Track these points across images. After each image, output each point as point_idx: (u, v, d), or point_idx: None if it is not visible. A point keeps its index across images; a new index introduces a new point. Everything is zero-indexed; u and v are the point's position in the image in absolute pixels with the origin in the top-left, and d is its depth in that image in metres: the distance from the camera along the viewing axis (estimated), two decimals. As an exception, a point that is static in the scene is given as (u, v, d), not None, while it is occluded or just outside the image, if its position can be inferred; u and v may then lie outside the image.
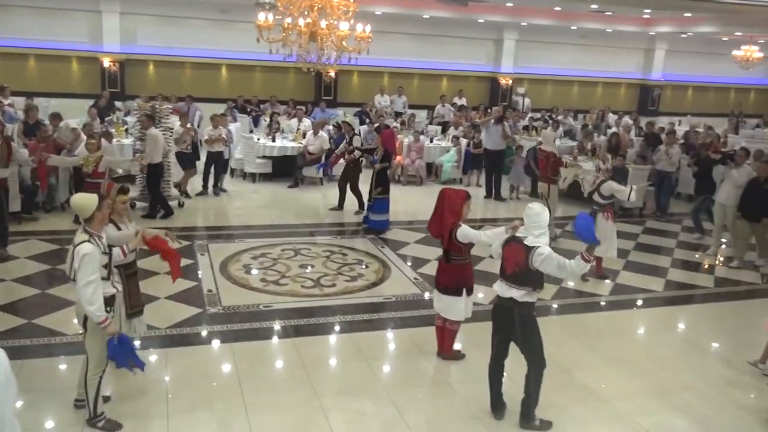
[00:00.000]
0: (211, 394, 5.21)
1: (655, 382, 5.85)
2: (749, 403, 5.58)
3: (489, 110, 18.62)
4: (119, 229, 5.15)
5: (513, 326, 4.83)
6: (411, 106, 18.69)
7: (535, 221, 4.74)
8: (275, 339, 6.32)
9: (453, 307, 5.80)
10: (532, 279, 4.72)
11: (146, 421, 4.82)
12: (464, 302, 5.76)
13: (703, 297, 8.21)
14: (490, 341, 5.07)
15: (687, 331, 7.27)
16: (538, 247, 4.65)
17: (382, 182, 9.74)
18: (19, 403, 4.82)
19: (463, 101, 19.22)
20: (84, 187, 8.22)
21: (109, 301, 4.52)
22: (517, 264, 4.73)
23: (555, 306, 7.46)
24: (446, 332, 5.99)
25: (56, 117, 10.59)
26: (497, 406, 5.07)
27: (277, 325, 6.54)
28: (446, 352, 6.03)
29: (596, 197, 8.21)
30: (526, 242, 4.71)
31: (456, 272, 5.75)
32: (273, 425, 4.85)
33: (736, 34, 19.15)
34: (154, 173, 9.81)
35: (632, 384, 5.80)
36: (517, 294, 4.74)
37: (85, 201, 4.45)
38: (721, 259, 9.61)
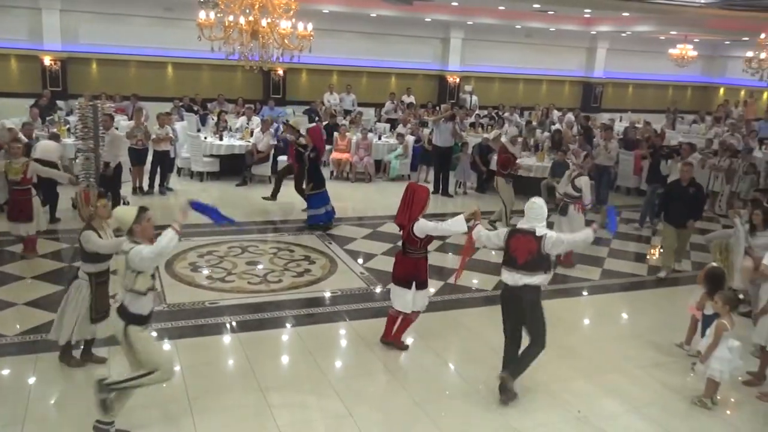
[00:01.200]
0: (155, 392, 5.21)
1: (587, 365, 6.14)
2: (674, 382, 5.91)
3: (437, 108, 18.93)
4: (100, 236, 5.16)
5: (524, 312, 5.27)
6: (360, 104, 18.82)
7: (539, 213, 5.25)
8: (220, 335, 6.36)
9: (401, 298, 6.01)
10: (546, 263, 5.22)
11: (90, 419, 4.81)
12: (412, 295, 5.97)
13: (636, 284, 8.58)
14: (503, 326, 5.45)
15: (620, 318, 7.61)
16: (547, 233, 5.18)
17: (313, 178, 9.79)
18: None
19: (411, 99, 19.46)
20: (12, 196, 7.98)
21: (147, 319, 4.58)
22: (530, 252, 5.14)
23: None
24: (403, 321, 6.19)
25: None
26: (505, 390, 5.34)
27: (222, 322, 6.59)
28: (393, 339, 6.21)
29: (569, 190, 8.84)
30: (537, 233, 5.15)
31: (410, 265, 5.97)
32: (218, 422, 4.89)
33: (672, 33, 19.94)
34: (114, 174, 9.70)
35: (565, 368, 6.06)
36: (532, 280, 5.16)
37: (126, 215, 4.60)
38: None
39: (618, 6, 16.04)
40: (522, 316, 5.29)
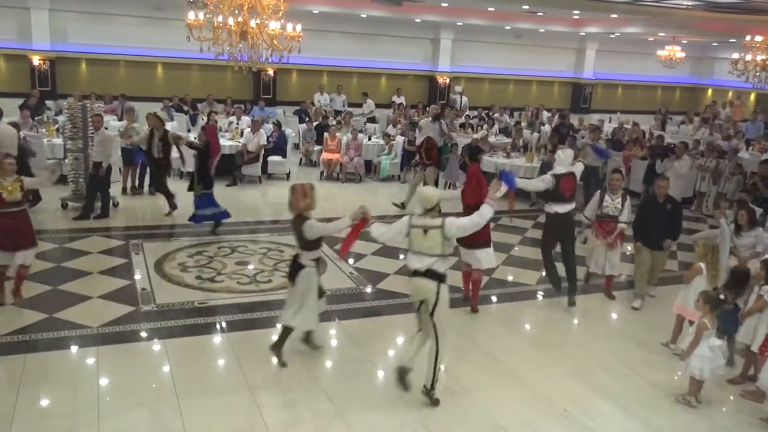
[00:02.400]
0: (144, 392, 5.25)
1: (574, 364, 6.20)
2: (660, 380, 5.97)
3: (427, 108, 18.98)
4: None
5: (570, 234, 7.53)
6: (350, 105, 18.85)
7: (564, 160, 7.39)
8: (210, 335, 6.37)
9: (488, 256, 7.20)
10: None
11: (76, 415, 4.83)
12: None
13: (624, 284, 8.65)
14: (547, 252, 7.62)
15: (608, 317, 7.68)
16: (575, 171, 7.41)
17: (203, 179, 9.54)
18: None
19: (401, 100, 19.51)
20: (4, 220, 6.42)
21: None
22: (572, 188, 7.32)
23: (491, 297, 7.73)
24: (475, 284, 7.28)
25: None
26: (556, 281, 7.70)
27: (212, 321, 6.60)
28: (474, 300, 7.32)
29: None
30: (574, 172, 7.36)
31: (486, 227, 6.79)
32: (208, 422, 4.90)
33: (660, 34, 20.08)
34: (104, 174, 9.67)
35: (553, 367, 6.12)
36: (572, 207, 7.38)
37: (432, 195, 5.37)
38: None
39: (606, 8, 16.15)
40: (570, 235, 7.52)
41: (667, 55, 19.92)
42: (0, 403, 4.90)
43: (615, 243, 7.77)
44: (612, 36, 21.28)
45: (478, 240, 6.72)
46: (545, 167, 12.11)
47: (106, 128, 10.45)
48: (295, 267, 5.79)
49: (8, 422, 4.69)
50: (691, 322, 6.00)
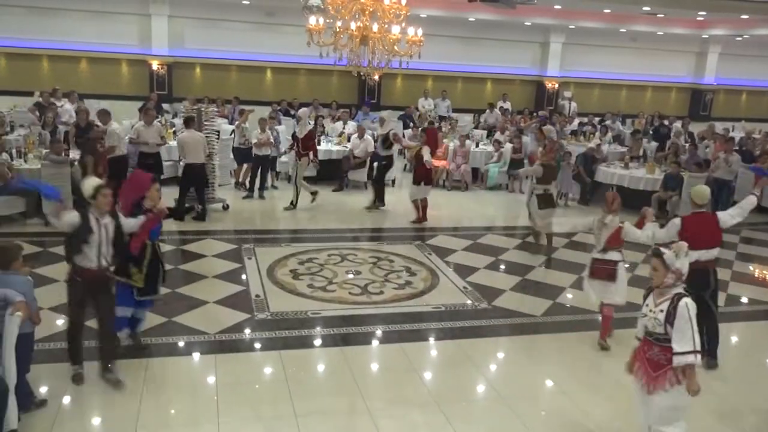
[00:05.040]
0: (260, 401, 5.15)
1: (719, 402, 5.57)
2: None
3: (534, 114, 18.33)
4: None
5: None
6: (455, 110, 18.50)
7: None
8: (324, 347, 6.23)
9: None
10: None
11: (196, 427, 4.78)
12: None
13: (764, 313, 7.83)
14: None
15: (750, 349, 6.93)
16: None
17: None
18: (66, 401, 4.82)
19: (507, 105, 18.95)
20: None
21: None
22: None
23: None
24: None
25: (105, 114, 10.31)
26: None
27: (325, 333, 6.46)
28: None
29: None
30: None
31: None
32: (322, 430, 4.77)
33: (796, 36, 18.48)
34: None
35: (695, 405, 5.52)
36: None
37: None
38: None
39: (737, 7, 14.98)
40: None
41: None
42: (125, 410, 4.91)
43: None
44: (738, 38, 19.79)
45: None
46: (669, 179, 11.31)
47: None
48: None
49: (132, 430, 4.69)
50: None
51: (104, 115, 10.26)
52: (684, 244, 4.21)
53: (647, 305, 4.22)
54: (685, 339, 3.98)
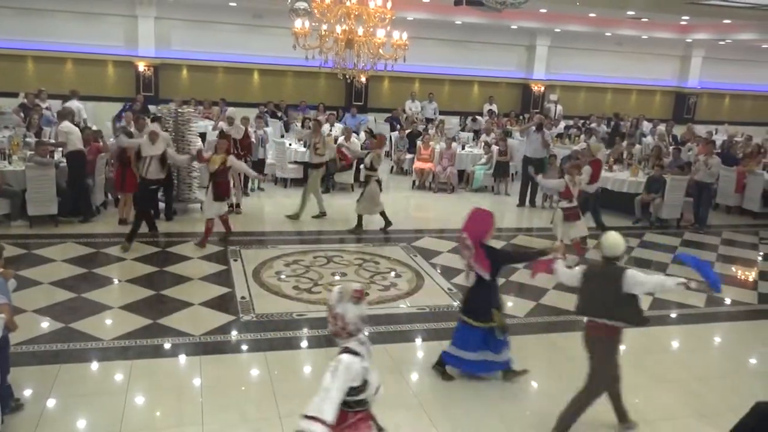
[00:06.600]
0: (245, 402, 5.18)
1: (699, 403, 5.66)
2: None
3: (521, 117, 18.46)
4: None
5: None
6: (442, 112, 18.58)
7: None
8: (309, 348, 6.26)
9: None
10: None
11: (181, 428, 4.79)
12: None
13: (745, 314, 7.95)
14: None
15: (730, 349, 7.04)
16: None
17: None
18: (55, 407, 4.84)
19: (493, 107, 19.07)
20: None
21: None
22: None
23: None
24: None
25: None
26: None
27: (310, 334, 6.49)
28: None
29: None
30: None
31: None
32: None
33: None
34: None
35: (676, 405, 5.61)
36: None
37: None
38: None
39: (720, 12, 15.16)
40: None
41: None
42: (109, 411, 4.92)
43: None
44: (721, 43, 20.03)
45: None
46: (652, 182, 11.44)
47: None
48: None
49: None
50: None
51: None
52: None
53: None
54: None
